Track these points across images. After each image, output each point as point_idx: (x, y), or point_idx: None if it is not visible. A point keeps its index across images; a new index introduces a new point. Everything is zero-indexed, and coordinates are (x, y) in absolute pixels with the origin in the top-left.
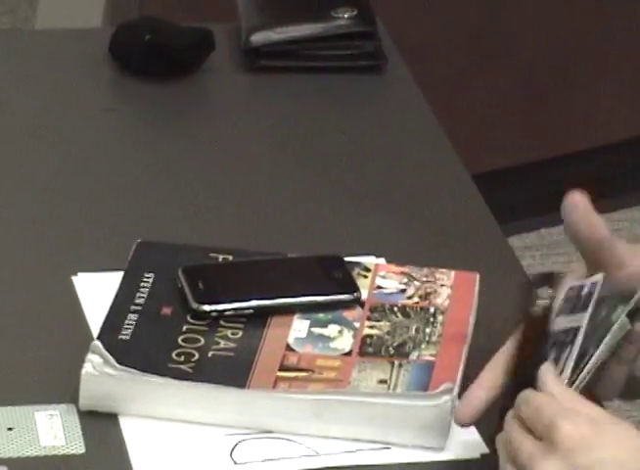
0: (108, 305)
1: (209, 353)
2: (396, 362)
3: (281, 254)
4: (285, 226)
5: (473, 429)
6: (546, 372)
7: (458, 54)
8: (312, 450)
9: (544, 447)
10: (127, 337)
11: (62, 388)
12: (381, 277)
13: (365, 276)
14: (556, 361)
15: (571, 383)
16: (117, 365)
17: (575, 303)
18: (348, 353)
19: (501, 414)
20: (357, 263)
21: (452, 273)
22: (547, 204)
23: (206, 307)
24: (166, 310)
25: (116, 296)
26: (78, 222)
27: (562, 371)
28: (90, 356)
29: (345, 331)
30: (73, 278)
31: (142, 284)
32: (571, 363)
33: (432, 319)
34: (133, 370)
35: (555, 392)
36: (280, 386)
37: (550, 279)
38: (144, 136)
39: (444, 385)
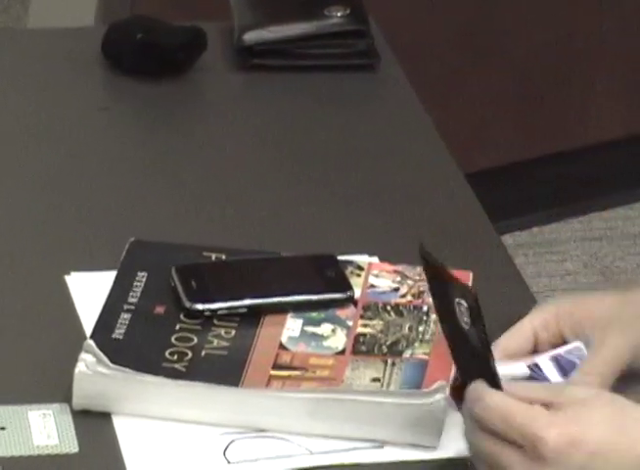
0: (101, 304)
1: (203, 352)
2: (389, 361)
3: (274, 253)
4: (278, 225)
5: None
6: (479, 388)
7: (451, 52)
8: (306, 449)
9: (532, 460)
10: (120, 336)
11: (55, 387)
12: (374, 276)
13: (358, 275)
14: None
15: None
16: (111, 364)
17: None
18: (342, 352)
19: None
20: (350, 262)
21: None
22: (540, 202)
23: (200, 306)
24: (160, 309)
25: (110, 295)
26: (71, 222)
27: None
28: (83, 356)
29: (339, 330)
30: (66, 277)
31: (135, 283)
32: None
33: (425, 318)
34: (126, 369)
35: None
36: (273, 385)
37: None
38: (136, 135)
39: (437, 383)
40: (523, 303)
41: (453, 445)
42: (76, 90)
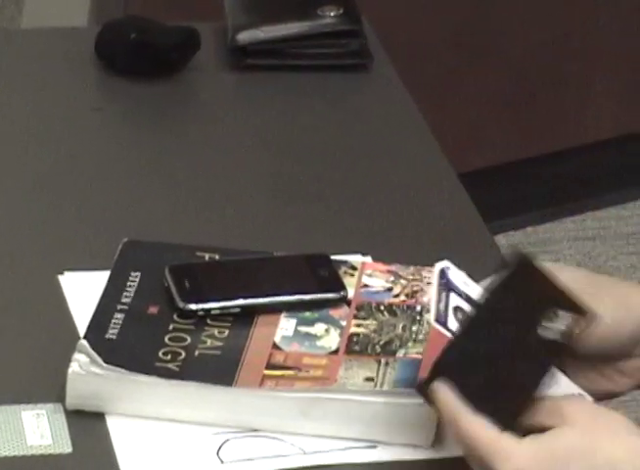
0: (94, 304)
1: (196, 352)
2: (383, 360)
3: (267, 252)
4: (271, 225)
5: None
6: (453, 408)
7: (447, 52)
8: (299, 449)
9: None
10: (114, 336)
11: (48, 387)
12: (367, 276)
13: (352, 275)
14: None
15: None
16: (104, 364)
17: None
18: (335, 352)
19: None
20: (344, 262)
21: None
22: (533, 202)
23: (193, 306)
24: (153, 309)
25: (103, 295)
26: (65, 221)
27: None
28: (77, 356)
29: (332, 329)
30: (60, 277)
31: (128, 283)
32: None
33: (418, 317)
34: (120, 369)
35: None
36: (267, 384)
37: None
38: (130, 135)
39: None
40: None
41: (446, 444)
42: (70, 90)
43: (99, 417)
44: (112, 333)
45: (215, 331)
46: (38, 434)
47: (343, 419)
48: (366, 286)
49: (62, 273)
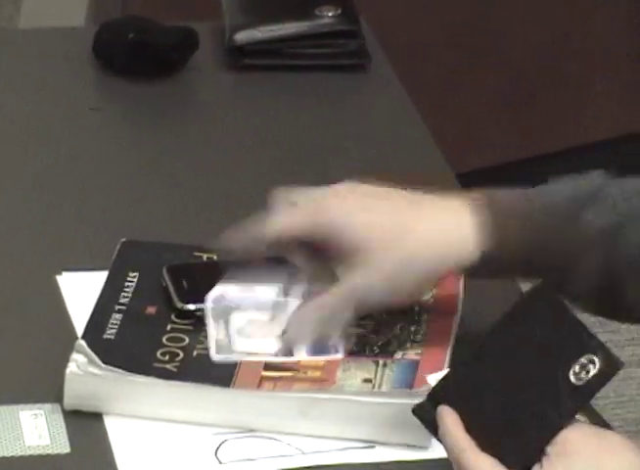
0: (92, 304)
1: (194, 353)
2: (381, 361)
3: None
4: None
5: None
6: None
7: (447, 52)
8: (297, 449)
9: None
10: (112, 336)
11: (46, 387)
12: None
13: None
14: None
15: None
16: (102, 365)
17: None
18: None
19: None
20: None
21: None
22: None
23: (191, 306)
24: (151, 310)
25: (101, 295)
26: (63, 221)
27: None
28: (75, 356)
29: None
30: (58, 277)
31: (126, 283)
32: None
33: (416, 318)
34: (118, 370)
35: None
36: (265, 385)
37: None
38: (128, 135)
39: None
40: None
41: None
42: (68, 90)
43: (97, 417)
44: (109, 333)
45: None
46: (36, 434)
47: (342, 420)
48: None
49: (60, 273)
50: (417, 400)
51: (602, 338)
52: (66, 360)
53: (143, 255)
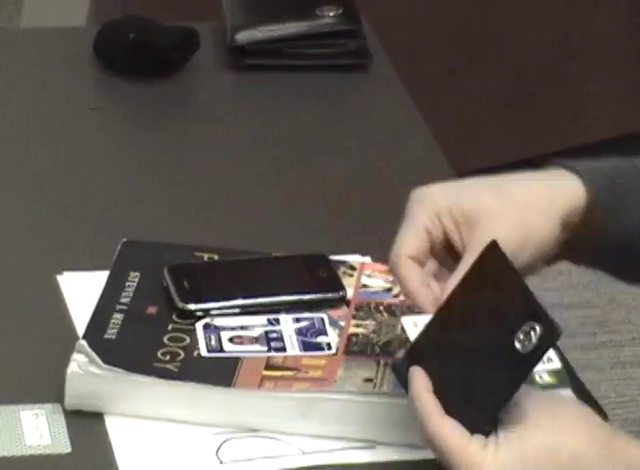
0: (93, 304)
1: (195, 353)
2: (382, 361)
3: (266, 253)
4: (270, 225)
5: None
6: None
7: (447, 52)
8: (298, 449)
9: None
10: (113, 336)
11: (47, 387)
12: (366, 276)
13: (351, 275)
14: None
15: None
16: (103, 365)
17: None
18: (334, 352)
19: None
20: (343, 262)
21: None
22: None
23: (192, 306)
24: (152, 309)
25: (102, 295)
26: (64, 221)
27: None
28: (76, 356)
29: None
30: (59, 277)
31: (127, 283)
32: None
33: None
34: (119, 369)
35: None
36: (266, 385)
37: None
38: (129, 135)
39: None
40: None
41: None
42: (69, 90)
43: (98, 417)
44: (110, 333)
45: None
46: (37, 434)
47: (343, 420)
48: (365, 286)
49: (60, 273)
50: None
51: (602, 338)
52: (66, 360)
53: (144, 255)
